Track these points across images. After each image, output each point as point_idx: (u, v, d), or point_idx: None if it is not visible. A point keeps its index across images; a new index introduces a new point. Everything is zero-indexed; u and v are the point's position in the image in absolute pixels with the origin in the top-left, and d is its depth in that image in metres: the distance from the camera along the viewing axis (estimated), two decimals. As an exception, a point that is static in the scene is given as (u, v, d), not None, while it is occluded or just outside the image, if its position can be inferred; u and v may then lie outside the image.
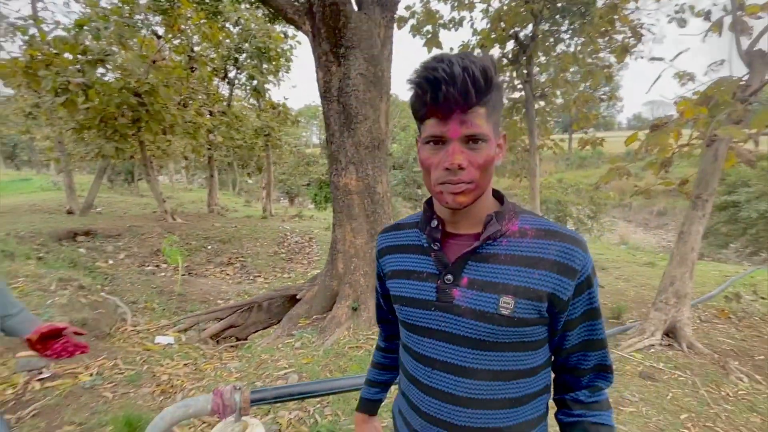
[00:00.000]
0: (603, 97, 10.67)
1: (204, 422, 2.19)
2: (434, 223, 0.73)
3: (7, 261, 4.84)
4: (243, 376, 2.78)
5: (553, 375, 0.77)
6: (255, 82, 12.39)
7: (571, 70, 8.70)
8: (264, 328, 4.36)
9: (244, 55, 12.29)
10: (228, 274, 8.60)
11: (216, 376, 2.79)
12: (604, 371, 0.73)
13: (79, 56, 7.80)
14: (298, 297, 4.05)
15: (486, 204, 0.71)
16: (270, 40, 12.13)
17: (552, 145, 9.33)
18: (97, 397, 2.31)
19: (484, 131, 0.63)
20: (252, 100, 13.87)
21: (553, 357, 0.75)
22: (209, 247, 9.74)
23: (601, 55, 7.95)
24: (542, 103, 8.95)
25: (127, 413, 1.90)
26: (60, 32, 7.87)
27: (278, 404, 2.27)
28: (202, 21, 9.30)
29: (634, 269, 8.53)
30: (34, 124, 10.32)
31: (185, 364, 2.97)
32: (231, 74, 13.17)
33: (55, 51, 7.61)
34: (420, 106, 0.64)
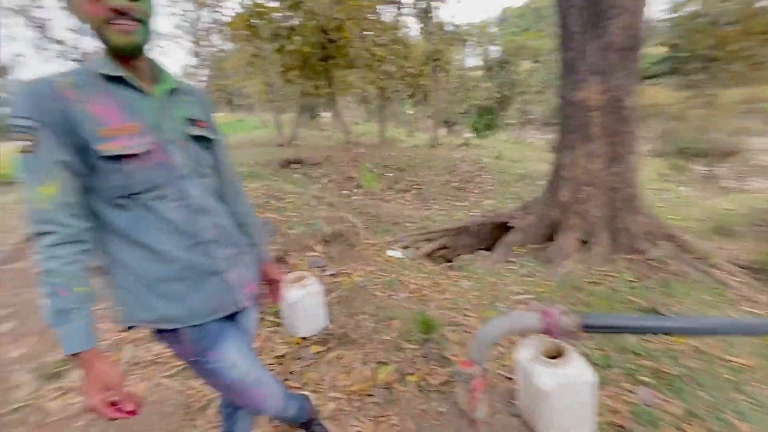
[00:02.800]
0: None
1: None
2: None
3: (258, 180, 6.16)
4: (480, 295, 2.90)
5: None
6: (423, 3, 11.79)
7: None
8: (471, 252, 4.49)
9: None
10: (407, 200, 9.19)
11: (455, 291, 2.99)
12: None
13: (280, 3, 8.65)
14: (509, 224, 3.94)
15: None
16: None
17: None
18: (371, 295, 2.76)
19: None
20: (417, 24, 13.40)
21: None
22: (389, 174, 10.49)
23: None
24: None
25: (422, 314, 2.18)
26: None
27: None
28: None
29: None
30: (251, 72, 12.41)
31: (422, 277, 3.28)
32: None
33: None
34: None
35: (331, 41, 9.20)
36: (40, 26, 10.04)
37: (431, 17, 11.72)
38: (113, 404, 0.80)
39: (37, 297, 2.66)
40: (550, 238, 3.70)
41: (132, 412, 0.81)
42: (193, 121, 0.98)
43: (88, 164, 0.81)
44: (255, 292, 1.11)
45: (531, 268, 3.36)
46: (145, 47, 0.87)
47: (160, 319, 0.91)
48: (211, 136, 1.03)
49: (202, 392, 1.86)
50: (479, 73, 22.34)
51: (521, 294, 2.89)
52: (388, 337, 2.20)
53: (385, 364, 2.00)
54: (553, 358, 1.56)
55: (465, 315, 2.58)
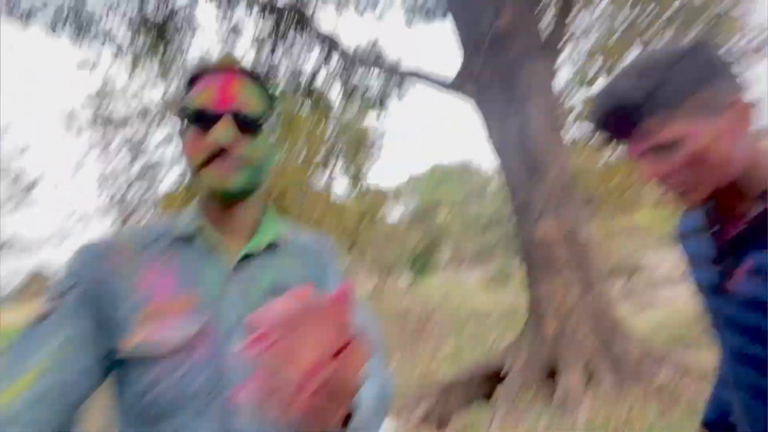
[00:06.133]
0: None
1: None
2: None
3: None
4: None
5: None
6: (352, 172, 13.42)
7: None
8: (468, 405, 3.92)
9: (341, 147, 13.55)
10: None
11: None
12: None
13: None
14: (504, 371, 3.62)
15: None
16: (363, 128, 13.30)
17: None
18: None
19: None
20: (348, 187, 14.94)
21: None
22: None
23: None
24: None
25: None
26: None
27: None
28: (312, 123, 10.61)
29: None
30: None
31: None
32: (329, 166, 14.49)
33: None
34: None
35: (275, 204, 9.61)
36: None
37: (361, 184, 13.21)
38: None
39: None
40: (549, 374, 3.43)
41: None
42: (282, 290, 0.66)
43: None
44: None
45: (547, 417, 2.95)
46: (249, 194, 0.66)
47: None
48: None
49: None
50: (406, 221, 24.64)
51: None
52: None
53: None
54: None
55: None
